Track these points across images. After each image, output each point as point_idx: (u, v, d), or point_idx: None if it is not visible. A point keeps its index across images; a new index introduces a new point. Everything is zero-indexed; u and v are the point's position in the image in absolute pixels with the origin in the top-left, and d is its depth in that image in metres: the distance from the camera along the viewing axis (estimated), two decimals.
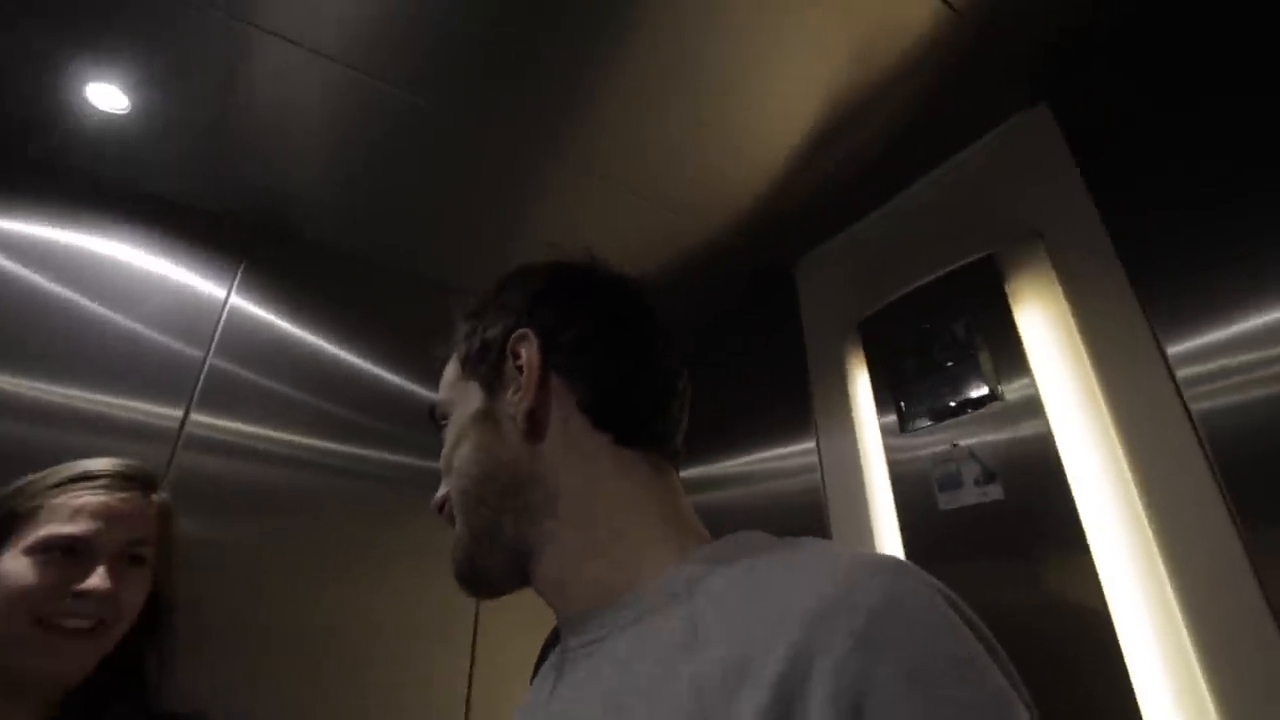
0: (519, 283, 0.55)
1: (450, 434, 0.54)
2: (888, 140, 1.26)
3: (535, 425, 0.50)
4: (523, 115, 1.21)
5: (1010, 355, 1.10)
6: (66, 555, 0.74)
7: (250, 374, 1.33)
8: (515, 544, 0.49)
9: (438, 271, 1.58)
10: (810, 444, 1.43)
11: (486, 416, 0.52)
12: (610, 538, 0.48)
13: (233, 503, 1.24)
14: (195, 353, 1.29)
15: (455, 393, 0.55)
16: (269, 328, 1.38)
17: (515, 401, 0.50)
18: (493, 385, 0.52)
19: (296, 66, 1.10)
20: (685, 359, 0.55)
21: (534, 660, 1.00)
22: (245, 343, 1.34)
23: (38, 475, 0.79)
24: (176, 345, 1.27)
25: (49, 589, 0.72)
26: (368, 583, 1.30)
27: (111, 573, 0.75)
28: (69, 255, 1.24)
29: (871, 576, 0.36)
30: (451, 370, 0.57)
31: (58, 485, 0.78)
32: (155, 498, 0.84)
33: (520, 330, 0.51)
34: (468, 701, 1.31)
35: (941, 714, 0.31)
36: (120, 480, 0.81)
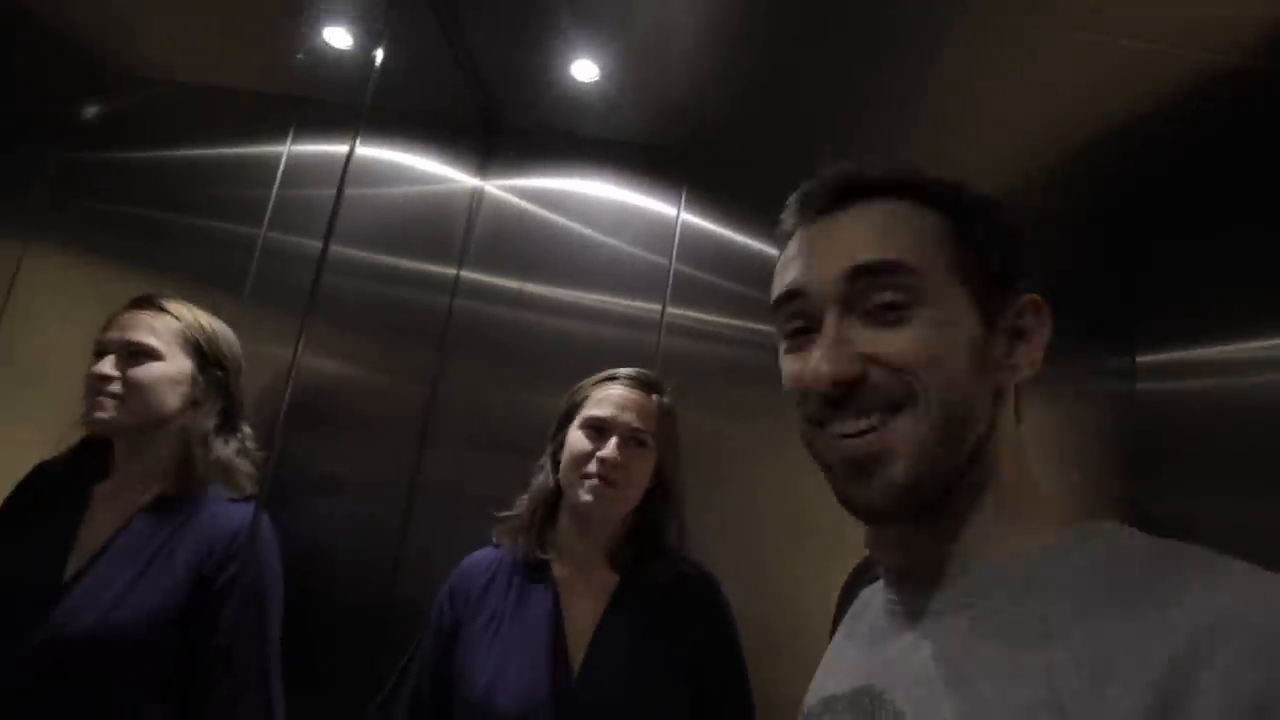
0: (1009, 231, 0.52)
1: (936, 334, 0.46)
2: None
3: (1010, 399, 0.50)
4: None
5: None
6: (596, 431, 1.04)
7: (703, 274, 1.64)
8: (933, 493, 0.47)
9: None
10: None
11: (978, 352, 0.47)
12: (1008, 507, 0.48)
13: (702, 377, 1.58)
14: (663, 261, 1.64)
15: (935, 285, 0.47)
16: (711, 235, 1.66)
17: (1017, 367, 0.49)
18: (993, 320, 0.48)
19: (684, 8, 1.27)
20: None
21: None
22: (697, 250, 1.65)
23: (590, 378, 1.12)
24: (651, 257, 1.64)
25: (588, 454, 1.02)
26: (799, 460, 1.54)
27: (621, 447, 1.02)
28: (571, 198, 1.67)
29: (1270, 595, 0.35)
30: (930, 244, 0.48)
31: (596, 383, 1.10)
32: (657, 398, 1.09)
33: (1037, 296, 0.50)
34: None
35: None
36: (632, 381, 1.09)
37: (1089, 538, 0.44)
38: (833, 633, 0.64)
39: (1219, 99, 1.27)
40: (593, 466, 1.02)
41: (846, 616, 0.61)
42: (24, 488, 1.08)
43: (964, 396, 0.46)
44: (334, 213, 1.17)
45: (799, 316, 0.51)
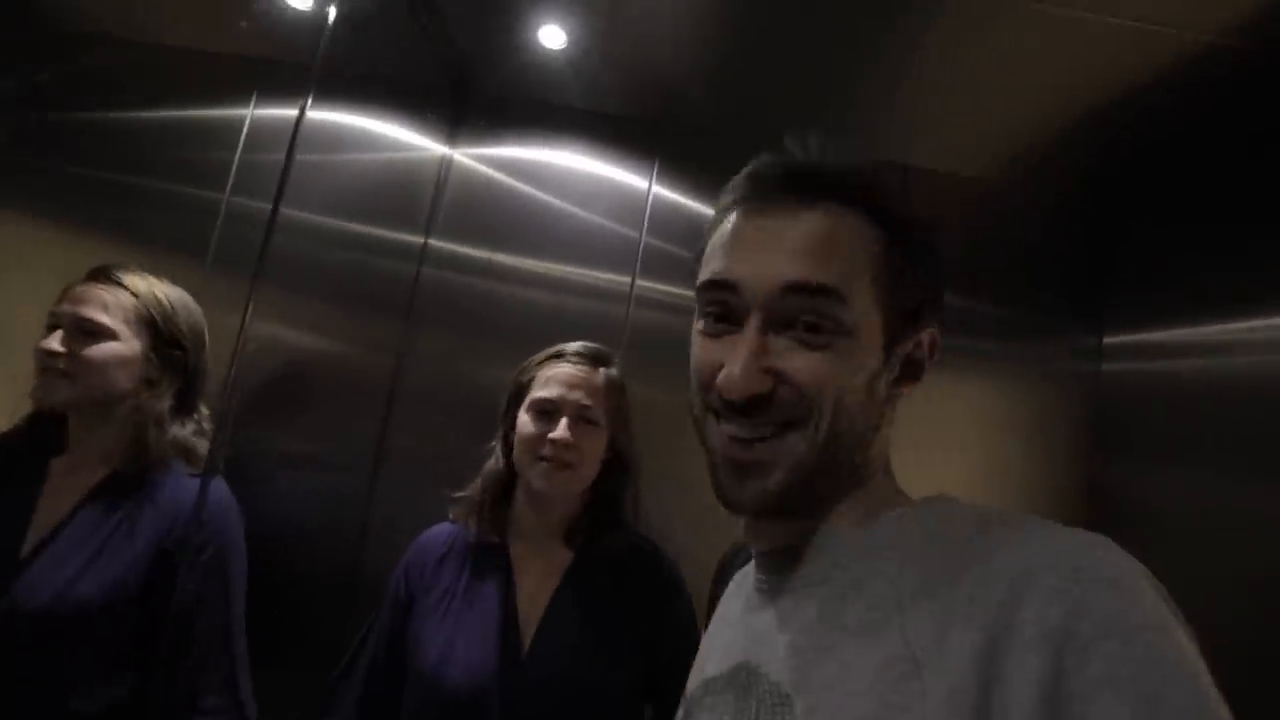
0: (936, 255, 0.53)
1: (845, 366, 0.48)
2: None
3: (890, 416, 0.52)
4: None
5: None
6: (544, 413, 1.03)
7: (674, 247, 1.62)
8: (810, 496, 0.51)
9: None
10: None
11: (875, 381, 0.49)
12: (867, 495, 0.52)
13: (671, 350, 1.57)
14: (633, 234, 1.62)
15: (859, 317, 0.48)
16: (684, 209, 1.64)
17: (899, 390, 0.52)
18: (892, 350, 0.50)
19: None
20: None
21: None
22: (668, 222, 1.63)
23: (535, 355, 1.10)
24: (621, 229, 1.62)
25: (538, 436, 1.01)
26: None
27: (571, 427, 1.01)
28: (542, 168, 1.64)
29: (1074, 547, 0.40)
30: (866, 271, 0.49)
31: (541, 362, 1.08)
32: (604, 371, 1.07)
33: (935, 330, 0.53)
34: None
35: (1137, 660, 0.34)
36: (579, 358, 1.07)
37: (924, 511, 0.49)
38: (708, 617, 0.66)
39: (1196, 82, 1.26)
40: (545, 449, 1.01)
41: (721, 599, 0.64)
42: None
43: (851, 422, 0.48)
44: (283, 176, 1.15)
45: (721, 305, 0.51)
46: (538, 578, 1.04)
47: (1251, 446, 1.20)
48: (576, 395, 1.03)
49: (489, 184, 1.63)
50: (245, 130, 1.51)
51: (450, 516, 1.13)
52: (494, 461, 1.10)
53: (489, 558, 1.06)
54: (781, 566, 0.52)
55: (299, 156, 1.40)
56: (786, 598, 0.51)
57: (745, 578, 0.60)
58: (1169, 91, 1.29)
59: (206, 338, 1.19)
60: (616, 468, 1.09)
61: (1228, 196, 1.35)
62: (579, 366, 1.06)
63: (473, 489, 1.10)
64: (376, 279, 1.53)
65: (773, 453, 0.48)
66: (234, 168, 1.49)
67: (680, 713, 0.59)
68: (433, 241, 1.59)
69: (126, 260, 1.13)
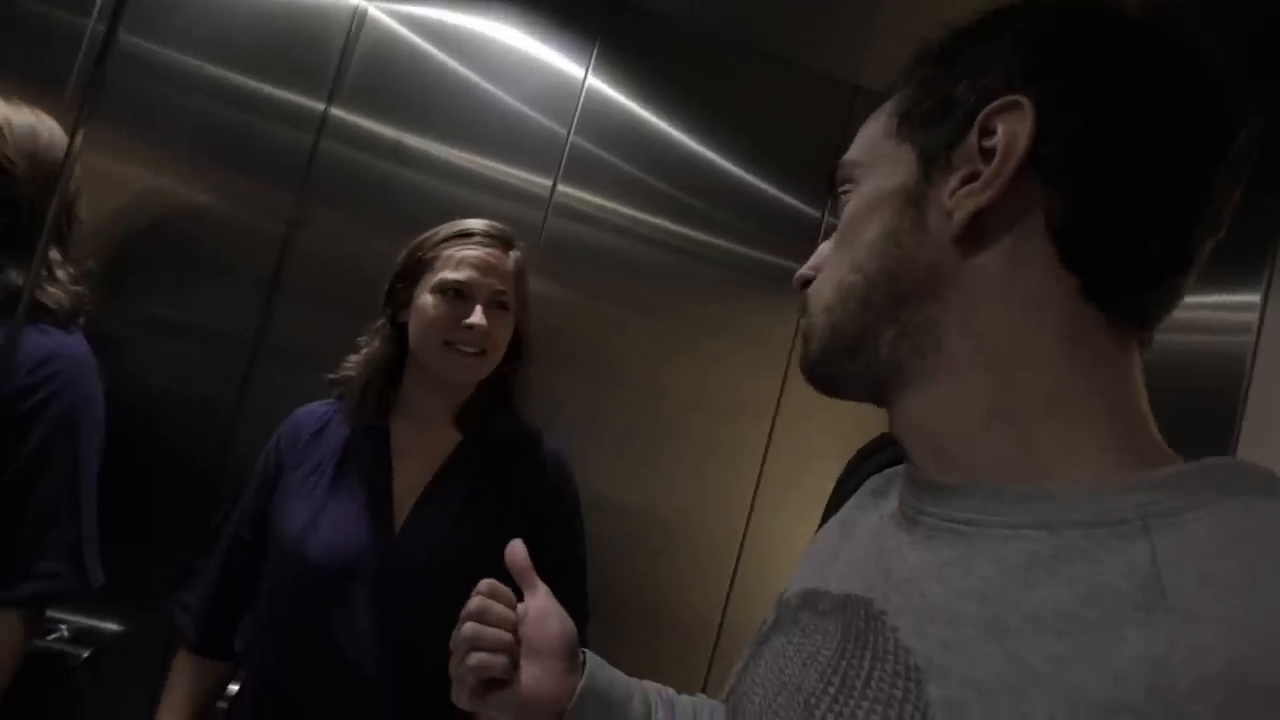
0: (1015, 25, 0.39)
1: (852, 207, 0.43)
2: None
3: (978, 232, 0.37)
4: None
5: None
6: (456, 295, 0.97)
7: (603, 151, 1.45)
8: (886, 367, 0.41)
9: (789, 48, 1.43)
10: (1252, 297, 1.05)
11: (912, 199, 0.40)
12: (1027, 408, 0.37)
13: (587, 265, 1.45)
14: (560, 130, 1.44)
15: (874, 155, 0.43)
16: (619, 108, 1.46)
17: (962, 194, 0.37)
18: (935, 160, 0.39)
19: None
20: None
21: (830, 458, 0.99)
22: (599, 122, 1.45)
23: (433, 231, 1.02)
24: (547, 123, 1.44)
25: (450, 321, 0.96)
26: (681, 352, 1.47)
27: (486, 312, 0.96)
28: (470, 38, 1.43)
29: None
30: (876, 125, 0.44)
31: (446, 239, 1.00)
32: (513, 254, 1.02)
33: (1009, 98, 0.36)
34: (759, 478, 1.45)
35: None
36: (489, 239, 1.00)
37: (1210, 474, 0.32)
38: (824, 520, 0.57)
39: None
40: (457, 335, 0.96)
41: (848, 505, 0.53)
42: None
43: (882, 264, 0.41)
44: None
45: None
46: (419, 460, 1.01)
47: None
48: (491, 280, 0.98)
49: (405, 49, 1.42)
50: None
51: (332, 396, 1.08)
52: (381, 342, 1.03)
53: (367, 437, 1.02)
54: (949, 497, 0.38)
55: None
56: (949, 541, 0.37)
57: (887, 492, 0.48)
58: None
59: (61, 172, 1.06)
60: (515, 352, 1.06)
61: None
62: (491, 249, 0.99)
63: (354, 368, 1.04)
64: (268, 139, 1.38)
65: (805, 323, 0.46)
66: None
67: (772, 615, 0.48)
68: (335, 110, 1.41)
69: None
